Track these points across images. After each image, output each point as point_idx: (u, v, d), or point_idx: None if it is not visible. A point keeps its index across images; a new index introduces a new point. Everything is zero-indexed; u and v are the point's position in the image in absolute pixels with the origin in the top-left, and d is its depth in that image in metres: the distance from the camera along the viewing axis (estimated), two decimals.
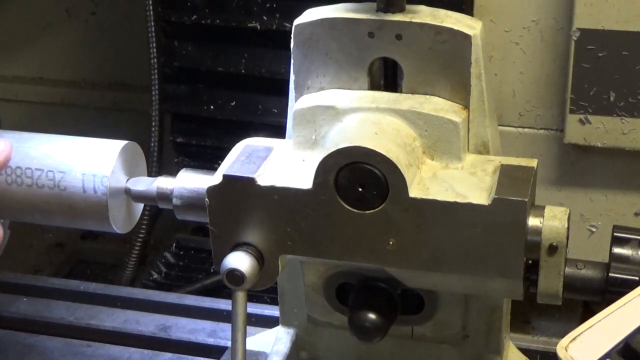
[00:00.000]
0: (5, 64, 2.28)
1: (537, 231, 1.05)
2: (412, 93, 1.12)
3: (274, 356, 1.29)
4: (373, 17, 1.10)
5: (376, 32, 1.10)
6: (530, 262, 1.07)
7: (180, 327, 1.50)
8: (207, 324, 1.50)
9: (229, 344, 1.26)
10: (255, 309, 1.48)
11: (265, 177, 1.09)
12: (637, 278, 1.06)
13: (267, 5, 1.73)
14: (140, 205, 1.23)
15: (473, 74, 1.09)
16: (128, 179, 1.18)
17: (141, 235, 1.99)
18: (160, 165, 1.94)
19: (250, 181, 1.09)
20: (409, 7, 1.11)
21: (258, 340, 1.32)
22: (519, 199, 1.03)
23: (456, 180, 1.07)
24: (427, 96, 1.12)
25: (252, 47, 1.79)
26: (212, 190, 1.10)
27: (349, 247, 1.09)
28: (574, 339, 0.90)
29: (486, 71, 1.10)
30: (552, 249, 1.05)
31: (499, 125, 1.28)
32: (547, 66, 1.59)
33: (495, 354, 1.23)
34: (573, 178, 1.66)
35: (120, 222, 1.18)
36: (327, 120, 1.12)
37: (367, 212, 1.06)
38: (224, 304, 1.52)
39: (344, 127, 1.10)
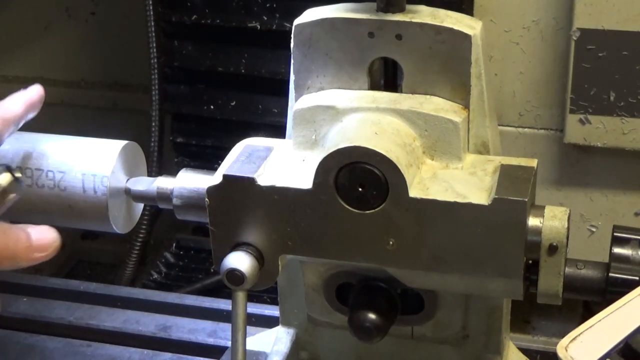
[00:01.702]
0: (5, 64, 2.28)
1: (537, 231, 1.05)
2: (412, 93, 1.12)
3: (274, 356, 1.29)
4: (373, 17, 1.10)
5: (376, 32, 1.10)
6: (530, 262, 1.07)
7: (180, 327, 1.50)
8: (207, 324, 1.50)
9: (229, 344, 1.26)
10: (255, 309, 1.48)
11: (265, 177, 1.09)
12: (637, 278, 1.06)
13: (267, 5, 1.73)
14: (140, 205, 1.23)
15: (473, 74, 1.09)
16: (128, 179, 1.18)
17: (141, 235, 1.99)
18: (160, 165, 1.94)
19: (250, 181, 1.09)
20: (409, 7, 1.11)
21: (258, 340, 1.32)
22: (519, 199, 1.03)
23: (456, 180, 1.07)
24: (427, 96, 1.12)
25: (252, 47, 1.79)
26: (212, 190, 1.10)
27: (349, 247, 1.09)
28: (574, 339, 0.90)
29: (486, 71, 1.10)
30: (552, 249, 1.05)
31: (499, 125, 1.28)
32: (547, 66, 1.59)
33: (495, 354, 1.23)
34: (573, 178, 1.66)
35: (120, 222, 1.19)
36: (327, 120, 1.12)
37: (367, 212, 1.06)
38: (224, 304, 1.52)
39: (344, 127, 1.10)
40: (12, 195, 1.07)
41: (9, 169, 1.07)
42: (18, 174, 1.07)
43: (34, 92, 1.16)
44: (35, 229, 1.05)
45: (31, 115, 1.16)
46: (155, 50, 1.85)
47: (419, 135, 1.10)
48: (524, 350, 1.30)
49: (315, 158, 1.08)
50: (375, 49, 1.11)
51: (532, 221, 1.05)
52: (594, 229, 1.68)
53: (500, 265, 1.06)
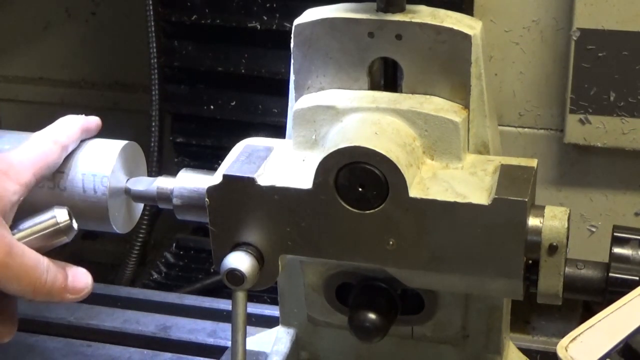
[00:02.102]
0: (5, 64, 2.28)
1: (537, 231, 1.05)
2: (412, 93, 1.12)
3: (274, 356, 1.29)
4: (373, 17, 1.10)
5: (376, 32, 1.10)
6: (530, 262, 1.07)
7: (180, 327, 1.50)
8: (207, 324, 1.50)
9: (229, 344, 1.26)
10: (255, 309, 1.48)
11: (265, 177, 1.09)
12: (637, 278, 1.06)
13: (267, 5, 1.73)
14: (140, 205, 1.23)
15: (473, 74, 1.09)
16: (128, 179, 1.18)
17: (141, 235, 1.99)
18: (160, 165, 1.94)
19: (250, 181, 1.09)
20: (409, 7, 1.11)
21: (258, 340, 1.32)
22: (519, 199, 1.03)
23: (456, 180, 1.07)
24: (427, 96, 1.12)
25: (252, 47, 1.79)
26: (212, 190, 1.10)
27: (349, 247, 1.09)
28: (574, 339, 0.90)
29: (486, 71, 1.10)
30: (552, 249, 1.05)
31: (499, 125, 1.28)
32: (547, 66, 1.59)
33: (495, 354, 1.23)
34: (573, 178, 1.66)
35: (120, 222, 1.18)
36: (327, 120, 1.12)
37: (367, 212, 1.06)
38: (224, 304, 1.52)
39: (344, 127, 1.10)
40: (63, 238, 1.09)
41: (69, 213, 1.09)
42: (74, 222, 1.09)
43: (92, 120, 1.18)
44: (73, 271, 1.10)
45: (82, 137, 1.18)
46: (155, 50, 1.85)
47: (419, 135, 1.10)
48: (524, 350, 1.30)
49: (315, 158, 1.08)
50: (375, 49, 1.11)
51: (532, 221, 1.05)
52: (594, 229, 1.68)
53: (500, 265, 1.06)
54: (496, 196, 1.03)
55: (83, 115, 1.18)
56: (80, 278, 1.10)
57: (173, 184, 1.16)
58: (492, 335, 1.22)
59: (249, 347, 1.17)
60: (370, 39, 1.11)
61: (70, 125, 1.15)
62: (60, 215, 1.08)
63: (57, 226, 1.08)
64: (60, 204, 1.14)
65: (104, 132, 1.24)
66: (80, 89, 2.25)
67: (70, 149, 1.15)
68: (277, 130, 1.33)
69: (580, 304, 1.78)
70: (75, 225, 1.09)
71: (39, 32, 2.23)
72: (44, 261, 1.06)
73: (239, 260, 1.09)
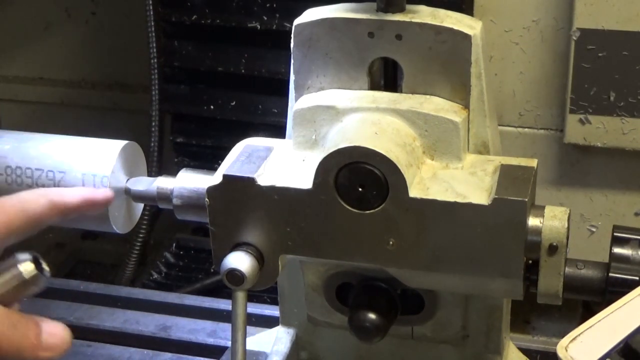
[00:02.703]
0: (5, 64, 2.28)
1: (537, 231, 1.05)
2: (412, 93, 1.12)
3: (274, 356, 1.29)
4: (373, 17, 1.10)
5: (376, 32, 1.10)
6: (530, 262, 1.07)
7: (180, 327, 1.50)
8: (207, 324, 1.50)
9: (229, 344, 1.26)
10: (255, 309, 1.48)
11: (265, 177, 1.09)
12: (637, 278, 1.06)
13: (267, 5, 1.73)
14: (140, 205, 1.23)
15: (473, 74, 1.09)
16: (128, 179, 1.18)
17: (141, 235, 1.99)
18: (160, 165, 1.94)
19: (250, 181, 1.09)
20: (409, 7, 1.11)
21: (258, 340, 1.33)
22: (519, 199, 1.03)
23: (456, 180, 1.07)
24: (427, 96, 1.12)
25: (252, 47, 1.79)
26: (212, 190, 1.10)
27: (349, 247, 1.09)
28: (574, 339, 0.90)
29: (486, 71, 1.10)
30: (552, 249, 1.05)
31: (499, 125, 1.28)
32: (547, 66, 1.59)
33: (495, 354, 1.23)
34: (573, 178, 1.66)
35: (120, 222, 1.19)
36: (327, 120, 1.12)
37: (367, 212, 1.06)
38: (224, 304, 1.52)
39: (344, 127, 1.10)
40: (33, 288, 0.97)
41: (35, 259, 0.96)
42: (45, 266, 0.97)
43: (100, 192, 1.11)
44: (47, 326, 0.98)
45: (89, 212, 1.10)
46: (155, 50, 1.85)
47: (419, 135, 1.10)
48: (524, 350, 1.30)
49: (315, 158, 1.08)
50: (375, 49, 1.11)
51: (532, 221, 1.05)
52: (594, 229, 1.68)
53: (500, 265, 1.06)
54: (496, 196, 1.03)
55: (93, 188, 1.12)
56: (55, 332, 0.98)
57: (173, 184, 1.16)
58: (492, 335, 1.22)
59: (249, 347, 1.17)
60: (370, 39, 1.11)
61: (72, 190, 1.09)
62: (25, 267, 0.96)
63: (23, 279, 0.96)
64: None
65: (104, 132, 1.24)
66: (80, 89, 2.25)
67: (67, 212, 1.06)
68: (277, 130, 1.33)
69: (580, 304, 1.78)
70: (47, 272, 0.97)
71: (39, 32, 2.23)
72: (13, 315, 0.95)
73: (239, 260, 1.09)
